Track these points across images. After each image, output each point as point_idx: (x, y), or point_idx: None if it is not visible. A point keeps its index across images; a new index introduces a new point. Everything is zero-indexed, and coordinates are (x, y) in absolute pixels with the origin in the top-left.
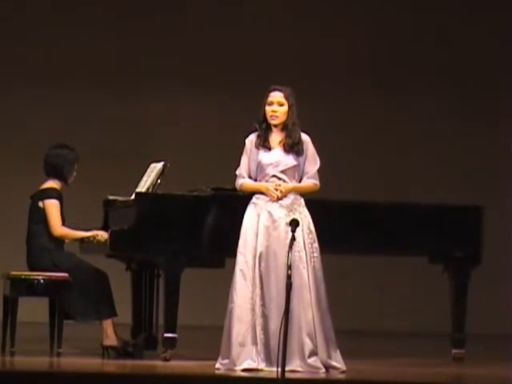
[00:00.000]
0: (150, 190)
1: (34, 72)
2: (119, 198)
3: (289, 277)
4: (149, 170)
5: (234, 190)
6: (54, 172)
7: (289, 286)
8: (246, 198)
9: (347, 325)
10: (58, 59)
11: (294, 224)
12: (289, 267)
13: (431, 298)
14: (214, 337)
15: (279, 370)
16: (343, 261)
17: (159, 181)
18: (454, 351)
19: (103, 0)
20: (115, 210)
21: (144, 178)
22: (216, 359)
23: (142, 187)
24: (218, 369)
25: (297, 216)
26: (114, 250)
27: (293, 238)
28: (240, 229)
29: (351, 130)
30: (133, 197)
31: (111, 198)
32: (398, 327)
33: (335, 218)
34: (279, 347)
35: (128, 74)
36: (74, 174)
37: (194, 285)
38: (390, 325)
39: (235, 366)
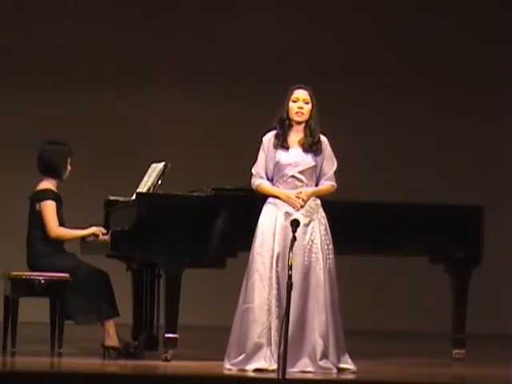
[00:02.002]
0: (151, 191)
1: (33, 72)
2: (120, 199)
3: (289, 277)
4: (149, 171)
5: (235, 190)
6: (46, 169)
7: (289, 287)
8: (246, 198)
9: (347, 325)
10: (58, 59)
11: (294, 224)
12: (289, 268)
13: (431, 298)
14: (215, 337)
15: (285, 370)
16: (343, 261)
17: (160, 181)
18: (454, 351)
19: None
20: (116, 211)
21: (145, 179)
22: (217, 359)
23: (143, 187)
24: (229, 369)
25: (314, 217)
26: (114, 250)
27: (293, 239)
28: (240, 228)
29: (350, 129)
30: (133, 197)
31: (112, 198)
32: (398, 327)
33: (335, 218)
34: (279, 347)
35: (128, 74)
36: (69, 168)
37: (195, 285)
38: (390, 325)
39: (248, 365)
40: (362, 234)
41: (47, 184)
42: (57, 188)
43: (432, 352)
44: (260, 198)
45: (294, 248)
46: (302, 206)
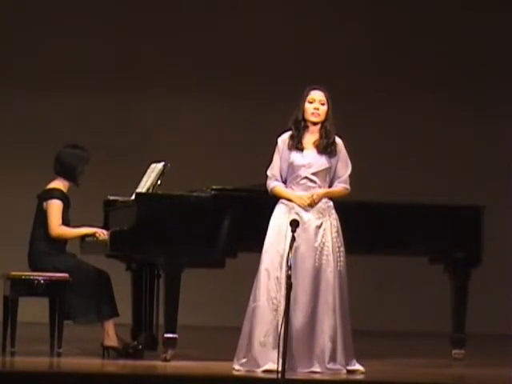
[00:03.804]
0: (151, 191)
1: (34, 71)
2: (119, 199)
3: (289, 277)
4: (149, 171)
5: (235, 190)
6: (64, 171)
7: (289, 287)
8: (246, 198)
9: None
10: (59, 58)
11: (294, 224)
12: (289, 267)
13: (431, 298)
14: (215, 337)
15: (287, 370)
16: None
17: (159, 181)
18: (454, 351)
19: None
20: (115, 211)
21: (144, 179)
22: (217, 359)
23: (143, 187)
24: (237, 370)
25: (326, 219)
26: (114, 250)
27: (293, 239)
28: (240, 228)
29: (349, 129)
30: (133, 197)
31: (111, 198)
32: (398, 327)
33: None
34: (279, 347)
35: (128, 73)
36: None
37: (194, 285)
38: (390, 325)
39: (256, 366)
40: (362, 234)
41: (58, 184)
42: (68, 190)
43: (432, 352)
44: (260, 198)
45: (305, 249)
46: (311, 206)
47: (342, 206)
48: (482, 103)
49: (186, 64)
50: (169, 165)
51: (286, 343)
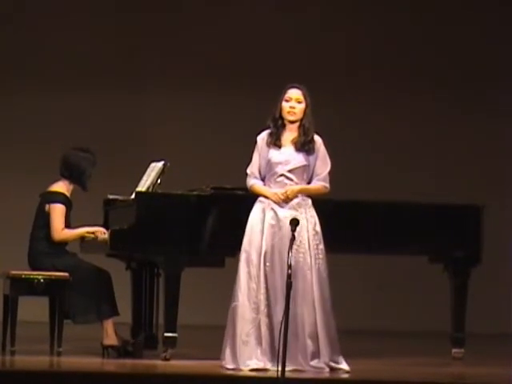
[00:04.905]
0: (150, 190)
1: (34, 71)
2: (119, 198)
3: (289, 276)
4: (149, 170)
5: (234, 189)
6: (70, 174)
7: (289, 286)
8: (245, 197)
9: (347, 325)
10: (58, 58)
11: (293, 223)
12: (289, 267)
13: (431, 298)
14: (214, 336)
15: (284, 370)
16: (343, 260)
17: (159, 180)
18: (453, 350)
19: None
20: (115, 210)
21: (144, 178)
22: (216, 358)
23: (142, 186)
24: (226, 368)
25: (302, 216)
26: (114, 249)
27: (293, 238)
28: (240, 228)
29: (349, 129)
30: (133, 196)
31: (111, 197)
32: (398, 327)
33: (334, 217)
34: (279, 347)
35: (128, 73)
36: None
37: (194, 284)
38: (390, 325)
39: (240, 365)
40: (362, 234)
41: (61, 186)
42: (71, 193)
43: (431, 351)
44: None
45: (282, 247)
46: (285, 202)
47: (342, 205)
48: (482, 103)
49: (186, 64)
50: (168, 164)
51: (285, 343)
